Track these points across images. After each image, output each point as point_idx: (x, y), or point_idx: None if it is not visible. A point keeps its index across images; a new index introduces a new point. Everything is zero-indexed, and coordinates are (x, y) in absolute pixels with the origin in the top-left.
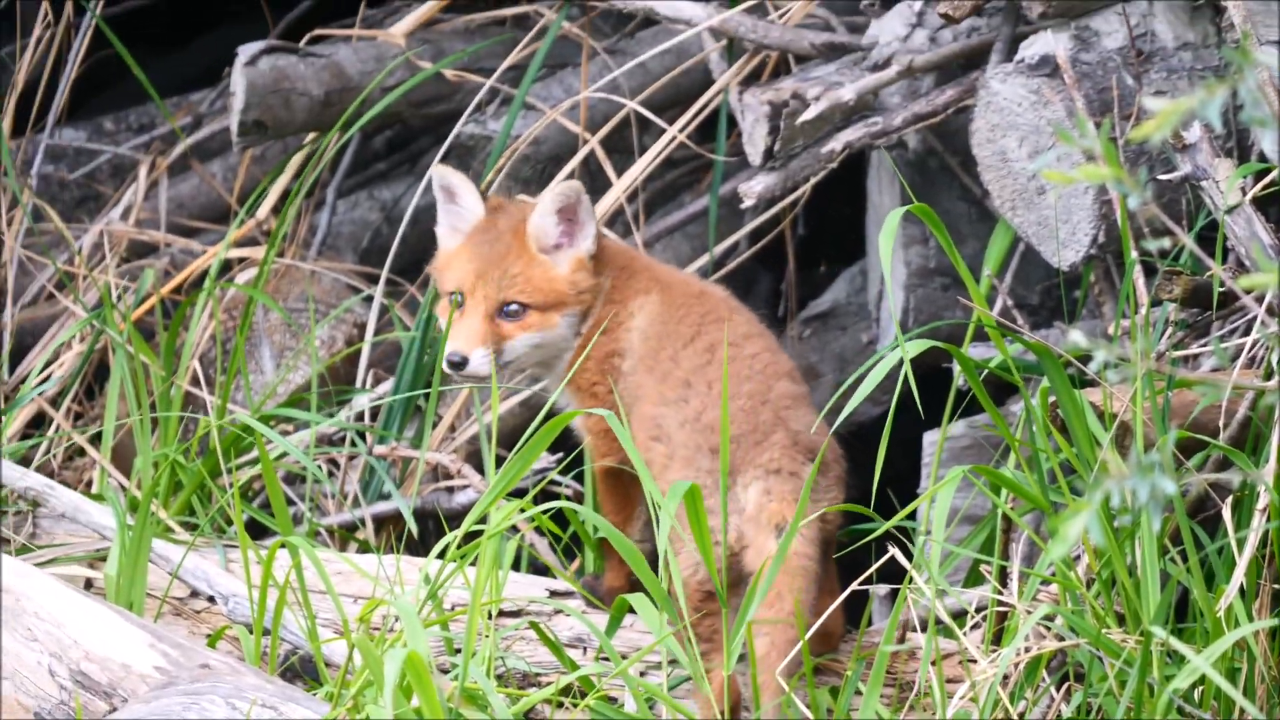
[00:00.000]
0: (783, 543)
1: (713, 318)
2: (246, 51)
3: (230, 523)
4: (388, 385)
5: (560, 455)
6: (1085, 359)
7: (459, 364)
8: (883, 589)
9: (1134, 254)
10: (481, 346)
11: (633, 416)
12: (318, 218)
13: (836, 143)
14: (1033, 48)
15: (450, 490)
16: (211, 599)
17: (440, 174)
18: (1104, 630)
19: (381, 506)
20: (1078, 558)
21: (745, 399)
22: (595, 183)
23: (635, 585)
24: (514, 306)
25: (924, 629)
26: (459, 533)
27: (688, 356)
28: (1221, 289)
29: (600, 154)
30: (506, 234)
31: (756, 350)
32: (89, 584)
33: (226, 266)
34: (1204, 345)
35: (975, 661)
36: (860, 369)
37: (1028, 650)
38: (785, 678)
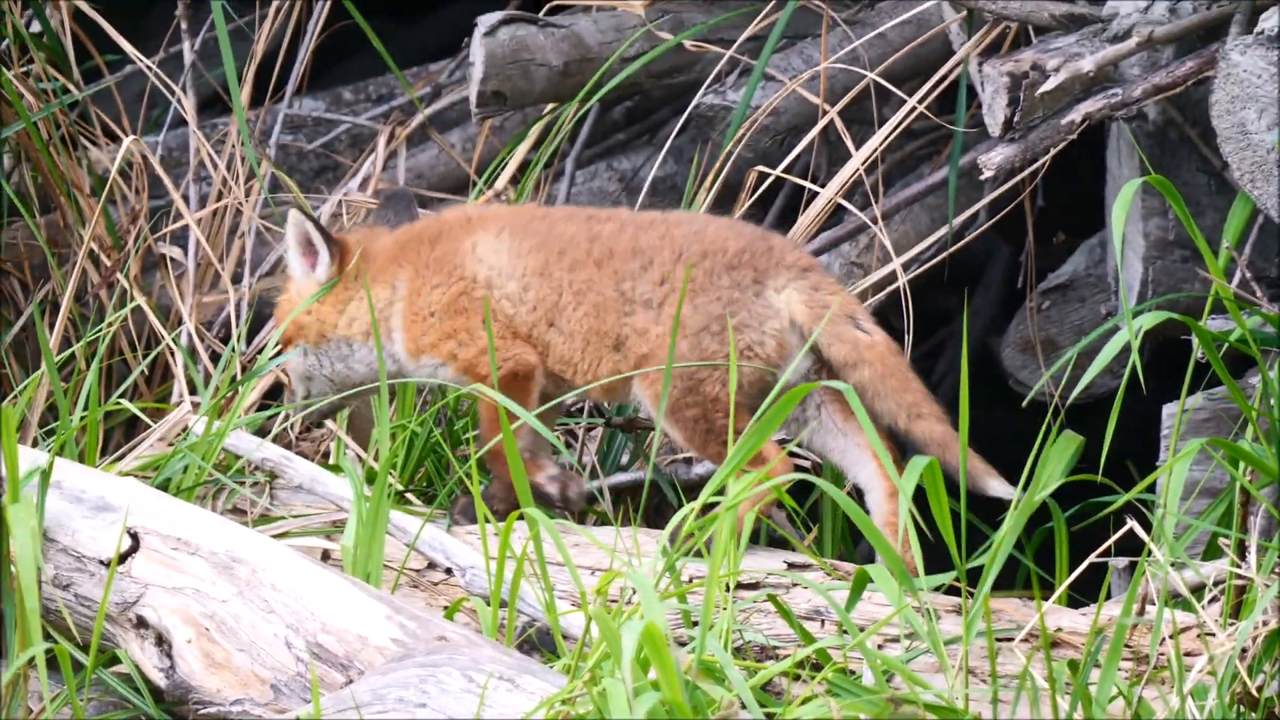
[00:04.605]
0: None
1: (585, 214)
2: (486, 22)
3: (468, 494)
4: None
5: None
6: None
7: None
8: (1121, 562)
9: None
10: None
11: (578, 317)
12: (556, 188)
13: (1076, 114)
14: (1273, 19)
15: (688, 461)
16: (449, 570)
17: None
18: None
19: (620, 477)
20: None
21: (711, 227)
22: (834, 153)
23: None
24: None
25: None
26: (696, 504)
27: (607, 241)
28: None
29: (839, 125)
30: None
31: (654, 216)
32: (326, 555)
33: None
34: None
35: (1213, 635)
36: (1087, 338)
37: (1266, 624)
38: None
